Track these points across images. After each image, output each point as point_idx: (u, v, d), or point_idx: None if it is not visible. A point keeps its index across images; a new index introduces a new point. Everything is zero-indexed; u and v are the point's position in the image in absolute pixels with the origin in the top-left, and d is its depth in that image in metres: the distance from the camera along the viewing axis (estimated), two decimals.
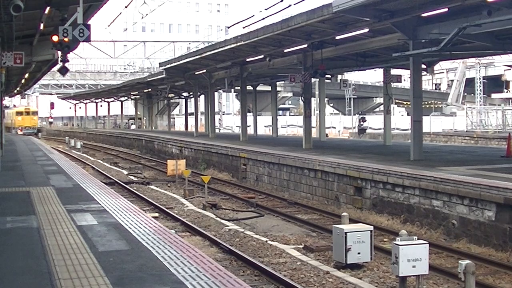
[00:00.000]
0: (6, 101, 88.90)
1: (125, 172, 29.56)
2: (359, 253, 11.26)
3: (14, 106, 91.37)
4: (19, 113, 78.51)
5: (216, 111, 52.34)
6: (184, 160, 27.30)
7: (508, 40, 18.82)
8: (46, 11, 16.46)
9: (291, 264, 11.57)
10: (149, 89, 56.10)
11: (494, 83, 72.32)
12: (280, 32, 21.70)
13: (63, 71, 20.17)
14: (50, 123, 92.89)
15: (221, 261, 11.40)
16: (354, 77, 75.21)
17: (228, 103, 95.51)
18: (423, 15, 16.89)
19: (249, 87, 41.71)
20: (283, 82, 50.72)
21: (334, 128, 61.38)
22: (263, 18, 30.96)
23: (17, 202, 13.14)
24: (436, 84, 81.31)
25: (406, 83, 55.89)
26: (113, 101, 75.99)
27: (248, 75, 33.95)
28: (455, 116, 60.04)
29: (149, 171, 31.40)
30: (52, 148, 39.25)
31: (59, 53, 19.85)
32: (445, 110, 74.59)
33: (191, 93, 50.95)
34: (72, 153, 42.23)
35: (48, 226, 10.26)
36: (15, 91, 61.02)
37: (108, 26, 45.39)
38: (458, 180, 13.97)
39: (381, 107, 47.18)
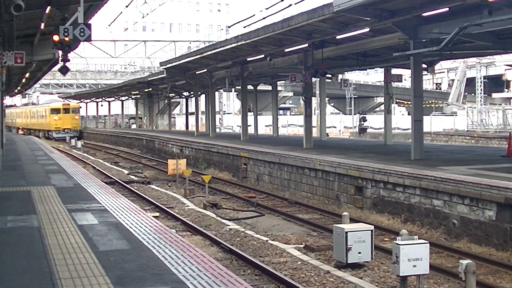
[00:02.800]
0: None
1: (126, 172, 29.57)
2: (359, 253, 11.26)
3: (15, 105, 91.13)
4: (55, 111, 62.56)
5: (216, 111, 52.34)
6: (185, 159, 27.31)
7: (509, 39, 18.82)
8: (47, 11, 16.46)
9: (292, 264, 11.58)
10: (150, 89, 56.09)
11: (495, 83, 72.35)
12: (280, 32, 21.70)
13: (64, 70, 20.14)
14: None
15: (222, 261, 11.40)
16: (355, 77, 75.24)
17: (228, 102, 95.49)
18: (424, 14, 16.88)
19: (250, 87, 41.71)
20: (283, 81, 50.70)
21: (335, 127, 61.39)
22: (264, 18, 30.91)
23: (17, 201, 13.15)
24: (436, 84, 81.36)
25: (406, 83, 55.96)
26: (113, 100, 75.93)
27: (248, 75, 33.94)
28: (456, 115, 60.04)
29: (149, 170, 31.40)
30: (53, 147, 39.26)
31: (60, 52, 19.82)
32: (446, 110, 74.65)
33: (191, 92, 50.95)
34: (73, 152, 42.27)
35: (48, 225, 10.26)
36: (16, 91, 60.91)
37: (109, 25, 45.33)
38: (459, 179, 13.97)
39: (382, 107, 47.16)
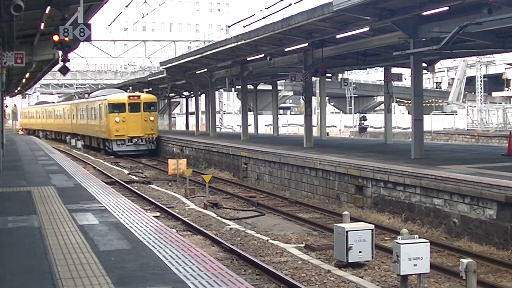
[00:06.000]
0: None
1: (126, 172, 29.57)
2: (360, 252, 11.26)
3: (14, 106, 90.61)
4: (116, 107, 38.23)
5: (217, 110, 52.32)
6: (185, 159, 27.29)
7: (509, 38, 18.80)
8: (47, 11, 16.45)
9: (292, 263, 11.58)
10: (150, 89, 55.96)
11: (495, 82, 72.29)
12: (280, 31, 21.69)
13: (64, 70, 20.15)
14: None
15: (222, 260, 11.40)
16: (355, 76, 75.16)
17: (229, 102, 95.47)
18: (424, 13, 16.86)
19: (250, 86, 41.67)
20: (283, 81, 50.69)
21: (335, 127, 61.45)
22: (264, 17, 30.89)
23: (18, 201, 13.16)
24: (437, 83, 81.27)
25: (407, 82, 55.90)
26: None
27: (248, 74, 33.93)
28: (456, 114, 60.06)
29: (150, 170, 31.40)
30: (53, 147, 39.25)
31: (60, 52, 19.83)
32: (446, 109, 74.65)
33: (191, 92, 50.92)
34: (73, 152, 42.22)
35: (49, 225, 10.27)
36: (16, 91, 60.90)
37: (109, 25, 45.28)
38: (459, 178, 13.96)
39: (382, 106, 47.16)
